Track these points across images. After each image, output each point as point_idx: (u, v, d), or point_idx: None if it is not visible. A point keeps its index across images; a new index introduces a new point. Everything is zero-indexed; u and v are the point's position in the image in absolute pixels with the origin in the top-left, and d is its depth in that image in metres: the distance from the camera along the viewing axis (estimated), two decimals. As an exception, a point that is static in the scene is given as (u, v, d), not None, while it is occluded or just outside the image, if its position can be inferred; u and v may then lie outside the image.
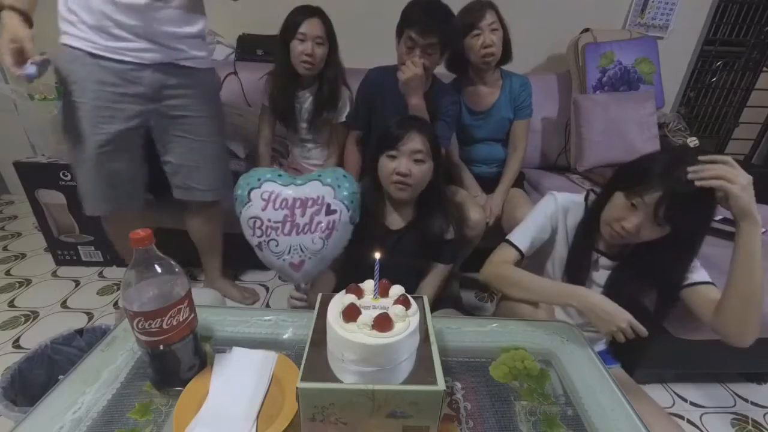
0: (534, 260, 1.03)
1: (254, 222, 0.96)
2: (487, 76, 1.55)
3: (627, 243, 0.88)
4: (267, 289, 1.77)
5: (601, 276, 0.96)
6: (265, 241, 0.96)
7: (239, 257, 1.34)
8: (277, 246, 0.96)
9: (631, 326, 0.78)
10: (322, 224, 0.95)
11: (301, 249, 0.97)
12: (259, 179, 0.97)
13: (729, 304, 0.80)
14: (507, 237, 1.01)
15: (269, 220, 0.95)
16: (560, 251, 1.00)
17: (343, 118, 1.57)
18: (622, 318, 0.79)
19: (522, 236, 0.99)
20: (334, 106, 1.54)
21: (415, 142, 1.01)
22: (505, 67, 1.59)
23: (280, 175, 0.98)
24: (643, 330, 0.79)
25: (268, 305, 1.67)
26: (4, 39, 0.91)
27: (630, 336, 0.79)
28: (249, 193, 0.96)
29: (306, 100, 1.54)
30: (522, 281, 0.93)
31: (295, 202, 0.95)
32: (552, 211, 0.99)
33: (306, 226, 0.95)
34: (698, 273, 0.90)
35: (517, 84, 1.56)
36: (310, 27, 1.40)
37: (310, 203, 0.95)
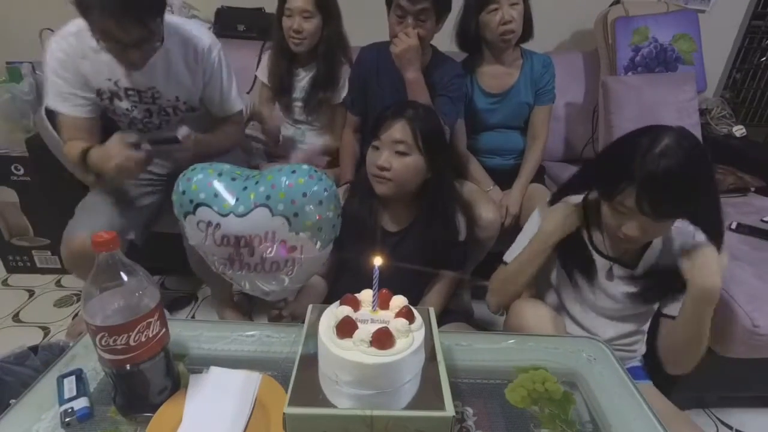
0: (539, 273, 1.05)
1: (201, 251, 0.87)
2: (505, 55, 1.55)
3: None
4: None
5: (616, 287, 0.96)
6: (220, 271, 0.89)
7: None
8: (233, 278, 0.89)
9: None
10: (278, 263, 0.84)
11: (260, 285, 0.88)
12: (191, 201, 0.82)
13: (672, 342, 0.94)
14: (504, 257, 1.06)
15: (213, 255, 0.85)
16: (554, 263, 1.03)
17: (341, 99, 1.59)
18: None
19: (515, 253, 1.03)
20: (332, 85, 1.56)
21: (396, 131, 1.00)
22: (524, 46, 1.59)
23: (216, 195, 0.82)
24: None
25: (250, 318, 1.67)
26: (121, 154, 1.07)
27: None
28: (185, 217, 0.84)
29: (303, 79, 1.58)
30: (509, 270, 1.02)
31: (239, 240, 0.82)
32: (538, 221, 1.01)
33: (258, 265, 0.84)
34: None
35: (539, 65, 1.56)
36: (295, 0, 1.43)
37: (257, 242, 0.81)
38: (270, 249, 0.82)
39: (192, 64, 1.23)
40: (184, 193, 0.83)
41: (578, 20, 2.18)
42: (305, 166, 0.85)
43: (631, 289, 0.95)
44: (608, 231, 0.88)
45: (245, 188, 0.83)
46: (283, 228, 0.80)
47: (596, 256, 0.97)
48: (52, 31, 1.65)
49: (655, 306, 0.98)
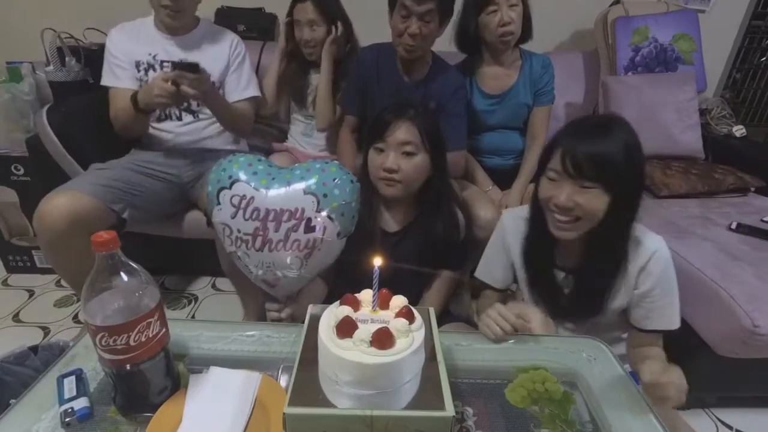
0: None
1: (224, 229, 0.92)
2: (504, 56, 1.55)
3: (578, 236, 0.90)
4: (249, 300, 1.78)
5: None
6: (235, 253, 0.94)
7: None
8: (248, 259, 0.93)
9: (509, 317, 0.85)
10: (300, 242, 0.89)
11: (275, 267, 0.92)
12: (230, 177, 0.91)
13: None
14: (476, 272, 1.09)
15: (239, 231, 0.90)
16: (521, 274, 1.04)
17: None
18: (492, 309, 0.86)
19: (488, 272, 1.08)
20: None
21: (402, 132, 1.00)
22: (525, 46, 1.59)
23: (255, 173, 0.91)
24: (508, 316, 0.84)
25: (250, 318, 1.67)
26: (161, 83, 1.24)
27: (506, 327, 0.82)
28: (218, 193, 0.91)
29: (317, 82, 1.65)
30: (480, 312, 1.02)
31: (269, 213, 0.88)
32: (500, 234, 1.05)
33: (280, 242, 0.89)
34: (666, 320, 0.93)
35: (538, 65, 1.56)
36: (300, 12, 1.53)
37: (286, 216, 0.88)
38: (296, 224, 0.88)
39: (223, 50, 1.51)
40: (224, 170, 0.92)
41: (578, 20, 2.18)
42: (335, 161, 0.96)
43: (574, 294, 0.96)
44: (548, 214, 0.89)
45: (280, 172, 0.93)
46: (312, 206, 0.88)
47: (556, 271, 0.98)
48: (54, 31, 1.65)
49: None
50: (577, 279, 0.95)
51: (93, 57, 1.71)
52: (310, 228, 0.89)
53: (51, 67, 1.66)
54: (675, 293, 0.92)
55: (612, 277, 0.91)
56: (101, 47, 1.79)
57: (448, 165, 1.11)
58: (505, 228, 1.04)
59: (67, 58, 1.67)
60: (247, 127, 1.61)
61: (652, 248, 0.89)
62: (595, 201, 0.82)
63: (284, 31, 1.67)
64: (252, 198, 0.89)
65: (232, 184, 0.90)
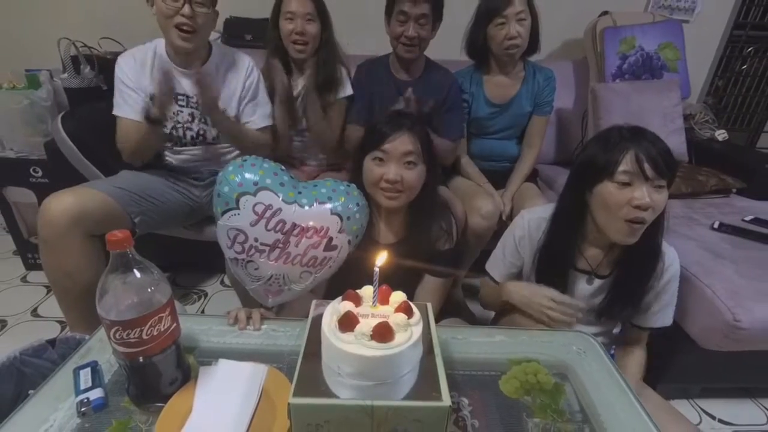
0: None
1: (236, 235, 0.85)
2: (509, 66, 1.54)
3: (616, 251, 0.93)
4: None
5: (593, 297, 0.97)
6: (243, 259, 0.88)
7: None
8: (256, 270, 0.88)
9: (559, 302, 0.90)
10: (316, 259, 0.87)
11: (284, 280, 0.89)
12: (255, 183, 0.84)
13: None
14: (486, 265, 1.10)
15: (256, 240, 0.84)
16: (528, 276, 1.03)
17: (346, 92, 1.54)
18: (542, 295, 0.91)
19: (495, 265, 1.08)
20: (336, 86, 1.53)
21: (403, 143, 0.94)
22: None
23: (282, 184, 0.86)
24: (573, 303, 0.90)
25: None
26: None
27: (560, 317, 0.89)
28: (238, 198, 0.84)
29: (301, 87, 1.53)
30: (482, 297, 1.14)
31: (294, 228, 0.84)
32: (519, 235, 1.02)
33: (298, 257, 0.86)
34: (662, 316, 0.98)
35: (542, 78, 1.55)
36: (298, 4, 1.41)
37: (310, 233, 0.85)
38: (318, 241, 0.86)
39: (239, 79, 1.39)
40: (247, 173, 0.86)
41: (568, 30, 2.18)
42: (354, 185, 0.96)
43: (599, 299, 0.97)
44: (617, 221, 0.85)
45: (305, 187, 0.91)
46: (335, 227, 0.87)
47: (576, 274, 0.98)
48: (69, 40, 1.65)
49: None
50: (614, 284, 0.96)
51: (106, 65, 1.71)
52: (330, 247, 0.87)
53: (66, 74, 1.66)
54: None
55: (648, 280, 0.93)
56: (115, 55, 1.78)
57: (441, 152, 1.10)
58: (526, 228, 1.01)
59: (81, 66, 1.67)
60: (262, 146, 1.46)
61: (669, 259, 0.93)
62: (664, 197, 0.83)
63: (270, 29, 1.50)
64: (279, 209, 0.84)
65: (257, 191, 0.84)
